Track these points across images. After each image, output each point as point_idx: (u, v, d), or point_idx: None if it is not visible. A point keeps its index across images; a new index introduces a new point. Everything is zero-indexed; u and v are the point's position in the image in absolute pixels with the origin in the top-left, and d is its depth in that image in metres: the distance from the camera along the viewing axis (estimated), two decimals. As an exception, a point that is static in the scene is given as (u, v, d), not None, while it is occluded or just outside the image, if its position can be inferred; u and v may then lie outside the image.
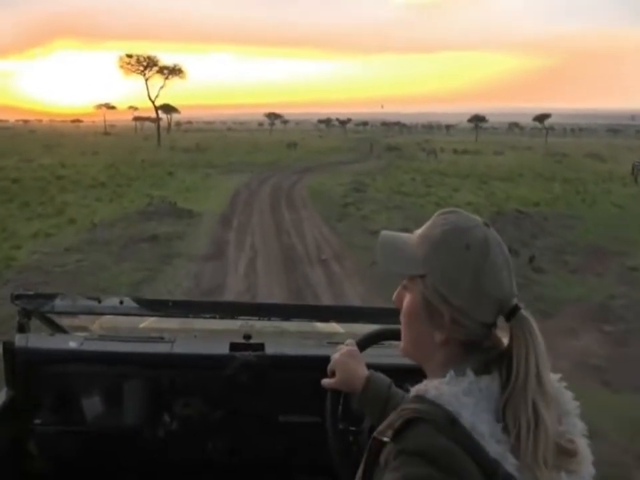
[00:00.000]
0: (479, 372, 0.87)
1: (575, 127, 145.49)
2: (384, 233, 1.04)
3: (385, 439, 0.86)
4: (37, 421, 1.85)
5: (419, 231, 0.98)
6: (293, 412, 1.85)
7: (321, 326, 2.31)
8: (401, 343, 1.03)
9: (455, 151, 45.01)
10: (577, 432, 0.89)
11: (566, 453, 0.85)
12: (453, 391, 0.84)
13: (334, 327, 2.29)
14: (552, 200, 17.35)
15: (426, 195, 17.71)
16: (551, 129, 79.85)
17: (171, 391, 1.87)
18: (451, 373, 0.87)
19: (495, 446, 0.80)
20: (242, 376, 1.82)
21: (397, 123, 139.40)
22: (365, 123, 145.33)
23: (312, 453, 1.69)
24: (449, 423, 0.81)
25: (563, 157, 41.27)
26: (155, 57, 51.91)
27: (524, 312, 0.88)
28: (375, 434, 0.91)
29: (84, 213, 13.31)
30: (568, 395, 0.93)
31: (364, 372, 1.24)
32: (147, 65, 51.45)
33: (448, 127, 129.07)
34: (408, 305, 0.97)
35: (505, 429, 0.82)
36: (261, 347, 1.89)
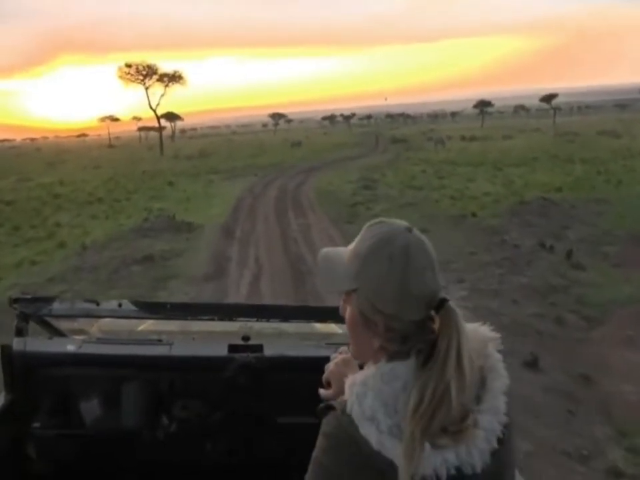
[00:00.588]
0: (394, 359, 0.96)
1: (582, 105, 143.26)
2: (322, 252, 1.10)
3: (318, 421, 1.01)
4: (36, 424, 1.85)
5: (351, 246, 1.03)
6: (292, 413, 1.83)
7: (319, 327, 2.31)
8: (351, 351, 1.13)
9: (463, 138, 43.93)
10: (490, 411, 0.95)
11: (456, 432, 0.90)
12: (358, 379, 0.97)
13: (332, 327, 2.28)
14: (574, 183, 16.26)
15: (440, 188, 16.69)
16: (557, 108, 78.13)
17: (170, 393, 1.87)
18: (369, 362, 1.00)
19: (366, 426, 0.91)
20: (241, 377, 1.82)
21: (402, 114, 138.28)
22: (369, 117, 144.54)
23: (311, 454, 1.49)
24: (349, 406, 0.94)
25: (574, 136, 39.88)
26: (154, 65, 51.07)
27: (450, 304, 0.95)
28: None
29: (76, 234, 12.48)
30: (502, 374, 0.98)
31: None
32: (146, 73, 50.66)
33: (453, 114, 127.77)
34: (348, 317, 1.04)
35: (398, 409, 0.91)
36: (259, 348, 1.90)
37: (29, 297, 1.95)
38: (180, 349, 1.93)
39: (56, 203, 17.99)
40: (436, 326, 0.95)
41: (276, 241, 10.93)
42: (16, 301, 1.89)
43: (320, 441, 0.97)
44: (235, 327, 2.12)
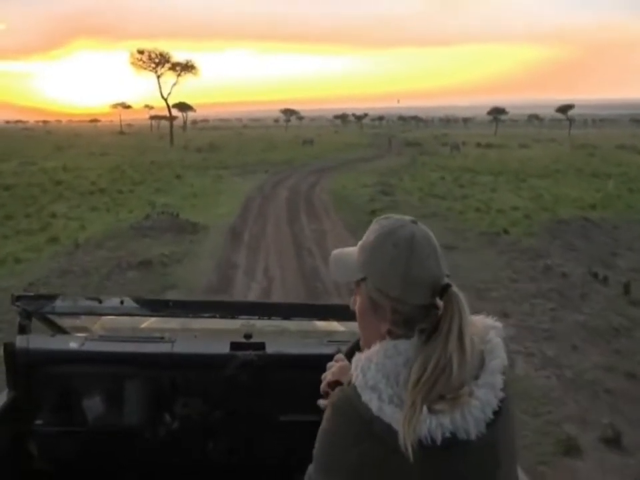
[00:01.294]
0: (397, 338, 1.03)
1: (596, 118, 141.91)
2: (334, 252, 1.19)
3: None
4: (38, 422, 1.85)
5: (359, 242, 1.12)
6: (294, 411, 1.83)
7: (321, 325, 2.29)
8: (361, 341, 1.16)
9: (478, 145, 42.98)
10: (487, 385, 1.00)
11: (453, 399, 0.95)
12: (360, 358, 1.03)
13: (334, 325, 2.26)
14: (607, 200, 15.14)
15: (462, 198, 15.62)
16: (571, 120, 76.96)
17: (172, 391, 1.87)
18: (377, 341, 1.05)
19: (366, 393, 0.97)
20: (242, 375, 1.84)
21: (414, 117, 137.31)
22: (381, 118, 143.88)
23: (312, 453, 1.44)
24: (355, 379, 1.00)
25: (593, 149, 38.79)
26: (167, 53, 49.97)
27: (454, 289, 1.01)
28: None
29: (72, 227, 11.49)
30: (500, 354, 1.04)
31: None
32: (158, 61, 49.65)
33: (465, 120, 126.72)
34: (359, 306, 1.11)
35: (400, 381, 0.97)
36: (261, 346, 1.91)
37: (31, 294, 1.96)
38: (182, 347, 1.92)
39: (56, 191, 17.01)
40: (440, 312, 1.01)
41: (288, 249, 9.90)
42: (18, 298, 1.87)
43: (326, 412, 1.03)
44: (237, 325, 2.09)
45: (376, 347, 1.03)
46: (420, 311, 1.02)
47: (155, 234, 10.36)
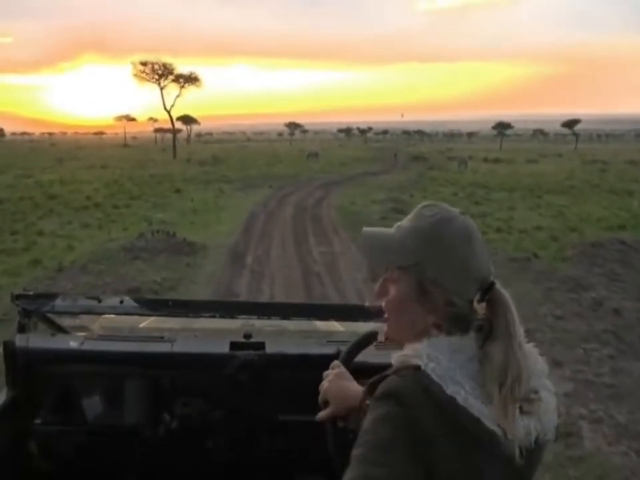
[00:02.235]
0: (452, 334, 0.99)
1: (601, 133, 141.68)
2: (365, 230, 1.12)
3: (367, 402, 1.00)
4: (38, 421, 1.85)
5: (403, 224, 1.07)
6: (294, 411, 1.81)
7: (321, 325, 2.28)
8: (386, 330, 1.12)
9: (485, 160, 42.32)
10: (544, 387, 1.01)
11: (530, 401, 0.96)
12: (424, 347, 0.97)
13: (334, 325, 2.25)
14: (636, 220, 14.15)
15: (480, 217, 14.62)
16: (577, 135, 76.34)
17: (171, 391, 1.87)
18: (427, 337, 0.99)
19: (452, 386, 0.91)
20: (242, 375, 1.82)
21: (418, 132, 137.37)
22: (385, 132, 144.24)
23: (312, 452, 1.62)
24: (414, 371, 0.94)
25: (603, 164, 37.94)
26: (170, 64, 49.41)
27: (498, 286, 1.00)
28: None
29: (59, 247, 10.51)
30: (540, 359, 1.04)
31: (357, 388, 1.24)
32: (162, 73, 49.06)
33: (470, 134, 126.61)
34: (398, 294, 1.05)
35: (469, 376, 0.94)
36: (261, 346, 1.90)
37: (31, 293, 1.94)
38: (182, 346, 1.92)
39: (48, 206, 16.07)
40: (483, 310, 0.99)
41: (295, 274, 8.91)
42: (18, 297, 1.88)
43: (383, 402, 0.94)
44: (236, 325, 2.06)
45: (437, 340, 0.98)
46: (469, 306, 1.00)
47: (147, 256, 9.38)
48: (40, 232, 12.03)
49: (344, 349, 1.43)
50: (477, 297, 0.99)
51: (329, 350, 1.65)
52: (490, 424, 0.89)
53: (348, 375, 1.27)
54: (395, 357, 1.00)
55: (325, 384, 1.27)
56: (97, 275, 8.19)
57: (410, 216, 1.06)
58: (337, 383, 1.25)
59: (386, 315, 1.09)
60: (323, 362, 1.34)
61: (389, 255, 1.05)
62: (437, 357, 0.94)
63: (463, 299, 0.98)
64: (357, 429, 1.06)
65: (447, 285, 0.98)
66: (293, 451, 1.85)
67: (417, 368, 0.93)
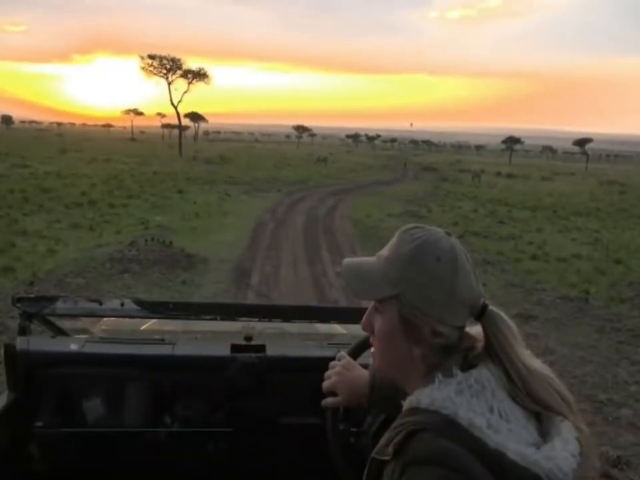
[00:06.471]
0: (464, 369, 0.90)
1: (610, 153, 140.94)
2: (346, 262, 1.04)
3: (386, 458, 0.88)
4: (39, 424, 1.81)
5: (383, 252, 0.99)
6: (294, 413, 1.81)
7: (322, 327, 2.28)
8: (373, 362, 1.06)
9: (498, 174, 41.17)
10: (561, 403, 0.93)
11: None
12: (445, 394, 0.86)
13: (335, 328, 2.26)
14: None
15: (509, 238, 13.35)
16: (587, 154, 75.20)
17: (172, 393, 1.84)
18: (439, 377, 0.89)
19: (494, 437, 0.82)
20: (243, 378, 1.79)
21: (426, 142, 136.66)
22: (393, 140, 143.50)
23: (313, 455, 1.56)
24: (447, 425, 0.83)
25: (621, 186, 36.68)
26: (178, 59, 48.25)
27: (492, 308, 0.93)
28: (373, 454, 0.92)
29: (39, 251, 9.24)
30: (551, 373, 0.96)
31: (365, 377, 1.23)
32: (170, 67, 47.89)
33: (478, 147, 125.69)
34: (383, 326, 0.97)
35: (500, 416, 0.85)
36: (262, 348, 1.88)
37: (32, 295, 1.93)
38: (182, 349, 1.90)
39: (39, 200, 14.81)
40: (480, 336, 0.94)
41: (308, 301, 7.61)
42: (19, 300, 1.84)
43: (432, 468, 0.81)
44: (237, 327, 2.06)
45: (451, 386, 0.88)
46: (458, 334, 0.93)
47: (138, 269, 8.09)
48: (22, 231, 10.75)
49: (352, 345, 1.40)
50: (465, 323, 0.93)
51: (330, 352, 1.63)
52: (537, 470, 0.81)
53: (353, 364, 1.28)
54: (409, 404, 0.91)
55: (331, 374, 1.27)
56: (74, 292, 6.88)
57: (391, 242, 0.98)
58: (344, 377, 1.24)
59: (372, 349, 1.03)
60: (324, 365, 1.33)
61: (371, 287, 0.97)
62: (461, 403, 0.85)
63: (451, 327, 0.92)
64: (370, 409, 1.17)
65: (433, 315, 0.91)
66: (293, 454, 1.83)
67: (448, 421, 0.83)
